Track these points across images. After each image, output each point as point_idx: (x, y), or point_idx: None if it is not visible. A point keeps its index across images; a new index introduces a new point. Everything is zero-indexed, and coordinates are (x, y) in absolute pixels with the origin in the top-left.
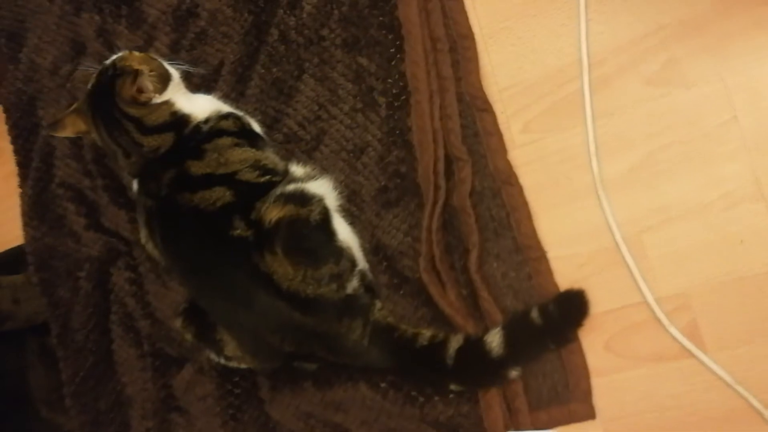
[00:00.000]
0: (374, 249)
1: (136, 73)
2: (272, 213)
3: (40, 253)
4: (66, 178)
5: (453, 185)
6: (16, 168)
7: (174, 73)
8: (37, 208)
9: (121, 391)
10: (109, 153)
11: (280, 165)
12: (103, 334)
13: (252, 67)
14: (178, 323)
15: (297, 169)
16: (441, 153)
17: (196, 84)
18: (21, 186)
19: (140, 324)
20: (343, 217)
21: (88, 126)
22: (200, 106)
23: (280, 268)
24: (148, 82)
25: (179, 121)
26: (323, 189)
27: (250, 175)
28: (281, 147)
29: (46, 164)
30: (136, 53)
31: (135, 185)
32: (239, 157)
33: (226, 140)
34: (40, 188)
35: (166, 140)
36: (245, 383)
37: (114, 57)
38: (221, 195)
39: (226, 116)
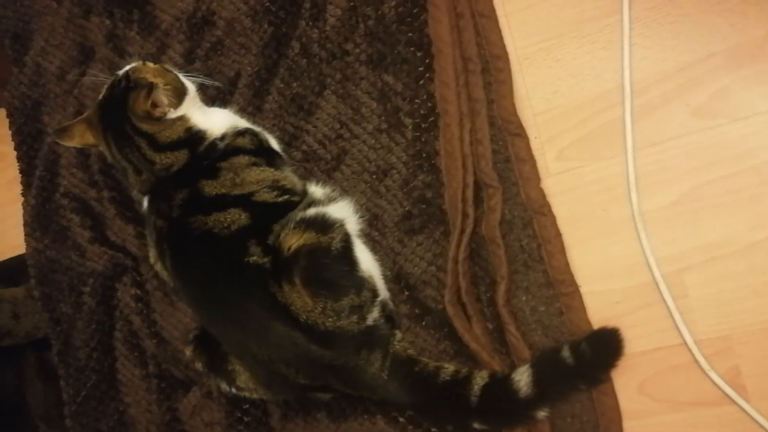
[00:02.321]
0: (395, 277)
1: (151, 87)
2: (291, 240)
3: (41, 266)
4: (71, 188)
5: (482, 213)
6: (19, 174)
7: (190, 86)
8: (39, 218)
9: (124, 412)
10: (119, 169)
11: (298, 185)
12: (107, 352)
13: (270, 81)
14: (188, 352)
15: (316, 190)
16: (470, 179)
17: (210, 96)
18: (24, 195)
19: (146, 343)
20: (364, 242)
21: (97, 139)
22: (216, 121)
23: (299, 299)
24: (163, 97)
25: (194, 137)
26: (344, 212)
27: (267, 196)
28: (299, 165)
29: (50, 173)
30: (150, 64)
31: (145, 203)
32: (256, 177)
33: (242, 159)
34: (44, 198)
35: (179, 158)
36: (255, 411)
37: (127, 68)
38: (236, 217)
39: (243, 132)
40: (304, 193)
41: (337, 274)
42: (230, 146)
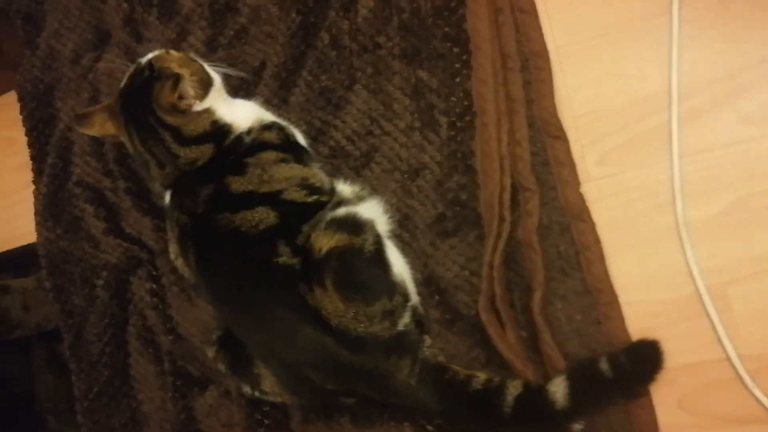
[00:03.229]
0: (426, 281)
1: (177, 78)
2: (322, 241)
3: (53, 256)
4: (84, 176)
5: (518, 217)
6: (28, 160)
7: (216, 77)
8: (51, 207)
9: (137, 409)
10: (141, 161)
11: (327, 183)
12: (120, 347)
13: (298, 73)
14: (210, 353)
15: (344, 188)
16: (507, 182)
17: (233, 87)
18: (35, 182)
19: (161, 339)
20: (394, 244)
21: (118, 130)
22: (242, 114)
23: (330, 303)
24: (189, 88)
25: (220, 130)
26: (373, 212)
27: (296, 195)
28: (326, 162)
29: (62, 160)
30: (174, 53)
31: (167, 197)
32: (285, 174)
33: (270, 154)
34: (56, 186)
35: (205, 152)
36: (276, 413)
37: (149, 56)
38: (264, 216)
39: (269, 126)
40: (332, 191)
41: (370, 277)
42: (257, 141)
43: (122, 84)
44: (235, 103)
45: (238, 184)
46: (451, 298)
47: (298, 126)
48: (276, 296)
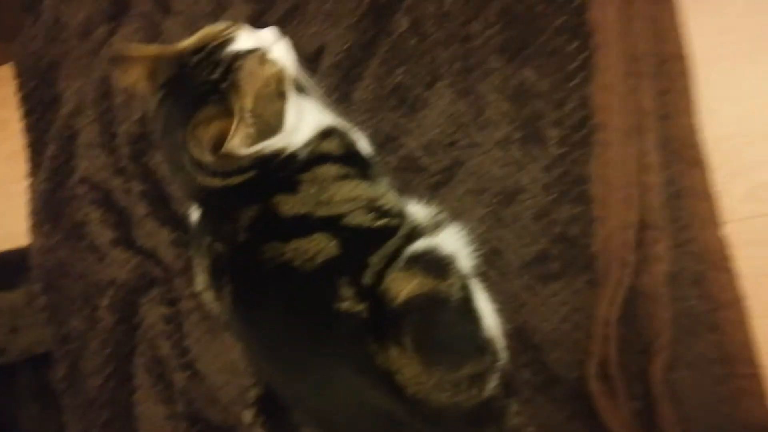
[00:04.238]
0: (517, 332)
1: (227, 126)
2: (401, 285)
3: (49, 268)
4: (91, 174)
5: (642, 262)
6: (23, 147)
7: (291, 118)
8: (49, 208)
9: None
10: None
11: (396, 204)
12: (124, 382)
13: (365, 64)
14: (248, 416)
15: (417, 211)
16: (633, 217)
17: None
18: (31, 176)
19: (175, 376)
20: (479, 284)
21: (150, 99)
22: (303, 128)
23: (408, 366)
24: (240, 140)
25: (266, 158)
26: (454, 243)
27: (362, 219)
28: (394, 175)
29: (65, 152)
30: (273, 63)
31: (194, 214)
32: (348, 194)
33: (330, 169)
34: (56, 183)
35: (245, 177)
36: None
37: (236, 48)
38: (323, 246)
39: (329, 133)
40: (403, 213)
41: (459, 334)
42: (314, 153)
43: (187, 47)
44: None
45: (290, 206)
46: (547, 356)
47: (361, 130)
48: (335, 353)
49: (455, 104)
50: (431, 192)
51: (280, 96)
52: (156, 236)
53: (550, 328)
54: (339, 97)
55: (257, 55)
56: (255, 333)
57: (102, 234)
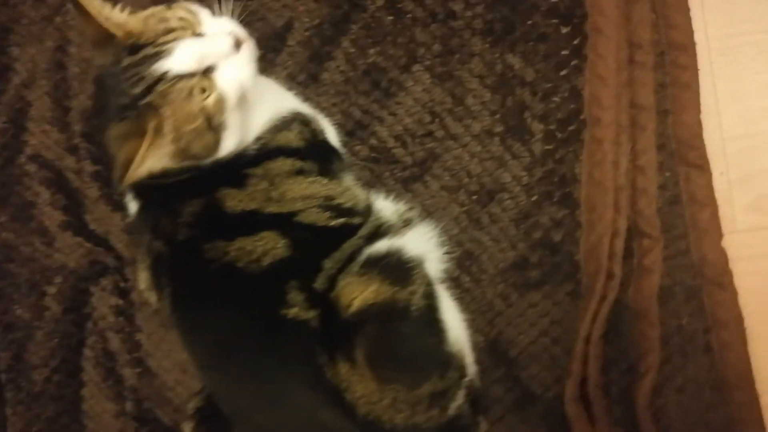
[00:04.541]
0: (491, 345)
1: (147, 148)
2: (354, 291)
3: None
4: (42, 150)
5: (630, 274)
6: None
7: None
8: None
9: None
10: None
11: (361, 201)
12: (72, 376)
13: (336, 41)
14: (187, 429)
15: (385, 206)
16: (623, 224)
17: None
18: None
19: (124, 372)
20: (449, 292)
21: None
22: (255, 120)
23: (360, 383)
24: (156, 165)
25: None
26: (423, 244)
27: (316, 217)
28: (363, 166)
29: (15, 126)
30: (208, 85)
31: (133, 206)
32: (302, 191)
33: (283, 163)
34: (4, 159)
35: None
36: None
37: (162, 59)
38: (271, 246)
39: (289, 123)
40: (368, 210)
41: (419, 348)
42: (266, 146)
43: (127, 36)
44: (251, 101)
45: (235, 201)
46: (522, 372)
47: (329, 116)
48: (282, 365)
49: (432, 90)
50: (402, 186)
51: (214, 130)
52: (109, 221)
53: (527, 342)
54: (306, 78)
55: (186, 86)
56: (196, 341)
57: (51, 216)
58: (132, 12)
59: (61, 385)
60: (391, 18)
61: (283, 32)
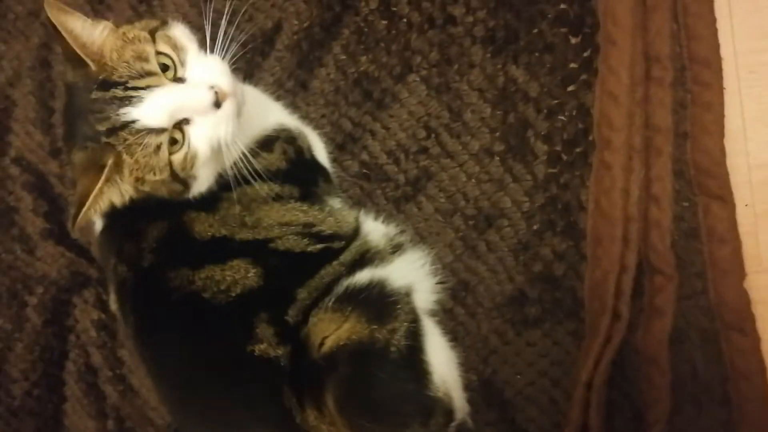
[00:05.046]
0: (484, 385)
1: (99, 192)
2: (327, 330)
3: None
4: (25, 153)
5: (640, 314)
6: None
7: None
8: None
9: None
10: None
11: (346, 224)
12: (53, 390)
13: (327, 47)
14: None
15: (374, 229)
16: (632, 259)
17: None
18: None
19: (106, 389)
20: (440, 326)
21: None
22: (233, 148)
23: (329, 430)
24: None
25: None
26: (412, 273)
27: (294, 244)
28: (352, 182)
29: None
30: (176, 145)
31: (98, 224)
32: (280, 218)
33: (260, 188)
34: None
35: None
36: None
37: (132, 105)
38: (241, 275)
39: (270, 142)
40: (355, 233)
41: (396, 394)
42: (242, 172)
43: (101, 63)
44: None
45: (205, 226)
46: (518, 414)
47: (318, 128)
48: (248, 406)
49: (428, 103)
50: (394, 206)
51: (180, 182)
52: (91, 231)
53: (524, 383)
54: (295, 85)
55: (154, 142)
56: (158, 374)
57: (33, 223)
58: (113, 28)
59: (41, 400)
60: (385, 23)
61: (271, 34)
